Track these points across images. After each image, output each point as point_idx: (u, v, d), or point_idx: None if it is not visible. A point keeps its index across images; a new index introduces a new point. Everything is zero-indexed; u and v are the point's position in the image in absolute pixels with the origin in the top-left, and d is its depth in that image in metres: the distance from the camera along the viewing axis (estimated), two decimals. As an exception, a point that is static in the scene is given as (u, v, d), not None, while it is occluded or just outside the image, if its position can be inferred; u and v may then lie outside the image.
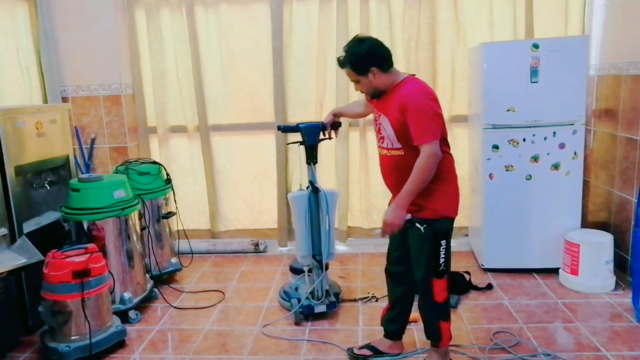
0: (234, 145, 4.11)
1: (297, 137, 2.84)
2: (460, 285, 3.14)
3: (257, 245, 4.01)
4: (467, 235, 3.97)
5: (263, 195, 4.12)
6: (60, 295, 2.42)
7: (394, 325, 2.45)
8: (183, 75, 3.93)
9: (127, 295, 2.87)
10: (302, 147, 2.82)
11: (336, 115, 2.74)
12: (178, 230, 3.63)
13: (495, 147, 3.28)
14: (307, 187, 2.83)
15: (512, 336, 2.58)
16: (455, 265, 3.40)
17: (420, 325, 2.64)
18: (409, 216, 2.10)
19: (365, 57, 2.08)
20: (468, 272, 3.29)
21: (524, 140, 3.24)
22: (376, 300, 3.07)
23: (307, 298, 2.81)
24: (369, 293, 3.14)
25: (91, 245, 2.58)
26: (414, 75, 2.21)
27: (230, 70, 3.97)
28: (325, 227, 2.79)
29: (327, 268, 2.90)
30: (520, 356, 2.40)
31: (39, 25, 3.62)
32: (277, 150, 3.93)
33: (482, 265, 3.46)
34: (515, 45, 3.24)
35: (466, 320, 2.78)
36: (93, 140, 3.89)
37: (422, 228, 2.14)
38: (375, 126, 2.26)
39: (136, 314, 2.91)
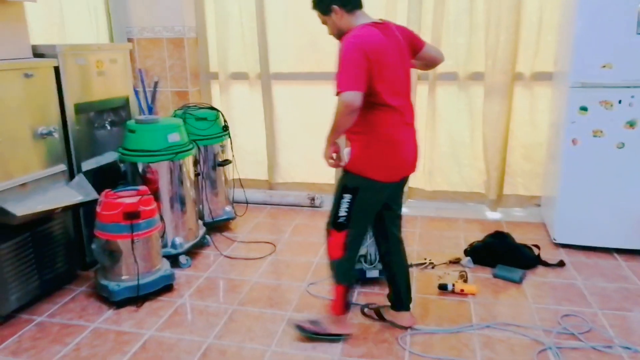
0: (295, 94, 3.95)
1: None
2: (527, 258, 2.88)
3: (313, 199, 3.91)
4: (539, 205, 3.63)
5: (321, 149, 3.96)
6: (112, 234, 2.43)
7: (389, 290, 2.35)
8: (246, 19, 3.78)
9: (178, 240, 2.88)
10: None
11: None
12: (234, 180, 3.58)
13: (584, 108, 2.89)
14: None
15: (583, 321, 2.31)
16: (523, 237, 3.11)
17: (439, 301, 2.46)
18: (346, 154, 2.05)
19: None
20: (537, 246, 3.00)
21: (620, 102, 2.82)
22: (432, 267, 2.88)
23: (359, 261, 2.67)
24: (425, 259, 2.95)
25: (143, 188, 2.57)
26: (376, 22, 1.99)
27: (294, 16, 3.76)
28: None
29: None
30: (592, 345, 2.13)
31: (106, -37, 3.58)
32: (338, 102, 3.73)
33: (554, 240, 3.14)
34: (621, -11, 2.79)
35: (531, 297, 2.53)
36: (156, 84, 3.82)
37: (342, 175, 2.10)
38: None
39: (187, 259, 2.91)
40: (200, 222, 3.18)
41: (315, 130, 3.96)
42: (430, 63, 2.29)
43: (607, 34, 2.77)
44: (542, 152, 3.53)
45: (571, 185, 3.01)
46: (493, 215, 3.65)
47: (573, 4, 2.86)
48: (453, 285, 2.61)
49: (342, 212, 2.06)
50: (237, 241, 3.29)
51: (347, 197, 2.05)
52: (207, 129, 3.24)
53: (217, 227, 3.41)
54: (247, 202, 3.72)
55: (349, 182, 2.06)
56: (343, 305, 2.17)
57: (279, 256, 3.08)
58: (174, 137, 2.82)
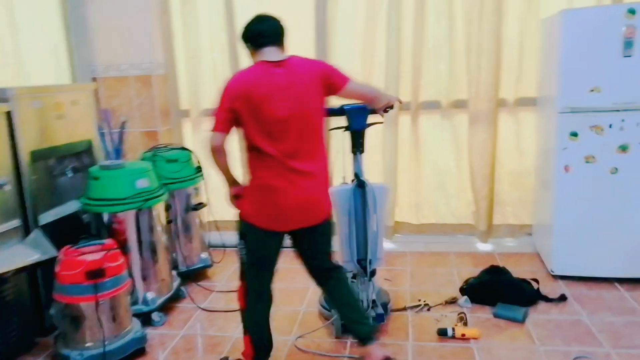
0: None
1: (341, 121, 2.46)
2: (528, 294, 2.71)
3: (295, 239, 3.68)
4: (530, 234, 3.48)
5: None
6: (73, 297, 2.16)
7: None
8: (218, 53, 3.62)
9: (150, 295, 2.61)
10: (347, 134, 2.44)
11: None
12: (209, 223, 3.34)
13: (574, 134, 2.79)
14: (352, 181, 2.46)
15: (597, 364, 2.14)
16: (518, 270, 2.95)
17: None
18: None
19: (242, 33, 2.04)
20: (536, 280, 2.84)
21: (610, 126, 2.73)
22: (428, 309, 2.68)
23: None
24: (419, 300, 2.75)
25: (108, 241, 2.32)
26: (269, 61, 1.94)
27: (267, 48, 3.62)
28: (373, 227, 2.41)
29: (374, 274, 2.53)
30: (612, 394, 1.96)
31: (67, -1, 3.38)
32: (318, 136, 3.56)
33: (552, 272, 2.99)
34: (605, 12, 2.73)
35: (537, 339, 2.35)
36: (123, 124, 3.61)
37: None
38: None
39: (160, 317, 2.64)
40: (174, 272, 2.92)
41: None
42: (361, 100, 2.23)
43: (593, 57, 2.70)
44: (531, 179, 3.41)
45: (566, 214, 2.88)
46: (484, 247, 3.49)
47: (556, 28, 2.79)
48: (453, 329, 2.41)
49: (241, 258, 2.03)
50: (214, 291, 3.03)
51: (240, 243, 2.03)
52: (179, 172, 3.03)
53: (193, 275, 3.15)
54: (224, 246, 3.48)
55: (238, 227, 2.03)
56: (252, 355, 2.10)
57: (262, 306, 2.83)
58: (143, 183, 2.59)
